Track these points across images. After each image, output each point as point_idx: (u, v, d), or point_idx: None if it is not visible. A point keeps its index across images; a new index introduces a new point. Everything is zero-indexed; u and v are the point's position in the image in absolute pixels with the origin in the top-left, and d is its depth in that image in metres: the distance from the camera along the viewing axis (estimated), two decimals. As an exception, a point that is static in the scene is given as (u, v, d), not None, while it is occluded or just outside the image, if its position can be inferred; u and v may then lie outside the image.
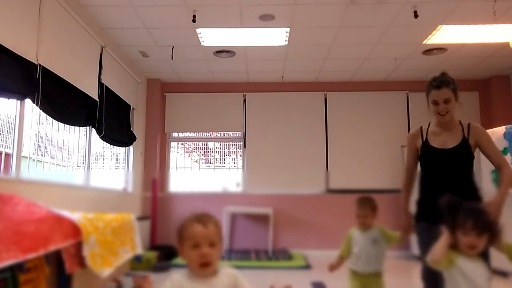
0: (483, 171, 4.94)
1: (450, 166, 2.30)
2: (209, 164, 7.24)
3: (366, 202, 2.60)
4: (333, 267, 2.60)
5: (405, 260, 5.72)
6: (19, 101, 3.35)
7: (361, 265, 2.54)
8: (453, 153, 2.30)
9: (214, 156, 7.31)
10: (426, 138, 2.40)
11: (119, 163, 6.01)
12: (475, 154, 2.32)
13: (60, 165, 4.33)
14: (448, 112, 2.27)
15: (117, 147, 5.73)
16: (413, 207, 2.46)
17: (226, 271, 1.40)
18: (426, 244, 2.25)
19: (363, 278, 2.53)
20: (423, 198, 2.38)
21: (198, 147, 7.34)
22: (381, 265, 2.58)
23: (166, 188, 6.63)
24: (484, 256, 1.82)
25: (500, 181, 2.23)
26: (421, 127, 2.46)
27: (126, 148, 5.96)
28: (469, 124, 2.33)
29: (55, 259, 2.55)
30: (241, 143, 6.87)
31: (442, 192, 2.24)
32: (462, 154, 2.29)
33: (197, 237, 1.34)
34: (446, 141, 2.33)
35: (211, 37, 4.98)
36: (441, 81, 2.28)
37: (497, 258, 2.15)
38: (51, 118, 3.89)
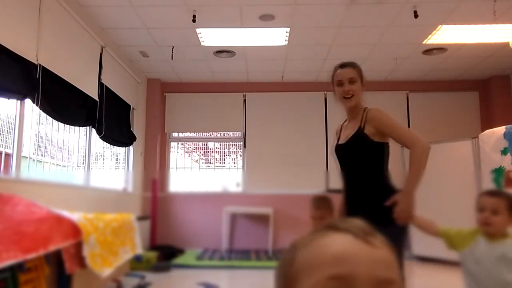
0: (483, 171, 4.90)
1: (346, 162, 2.12)
2: (209, 164, 7.24)
3: (322, 202, 2.33)
4: None
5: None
6: (19, 101, 3.35)
7: None
8: (346, 147, 2.10)
9: (214, 156, 7.31)
10: (340, 134, 2.25)
11: (119, 163, 6.01)
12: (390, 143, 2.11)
13: (60, 165, 4.33)
14: (353, 95, 2.09)
15: (117, 147, 5.73)
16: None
17: None
18: None
19: None
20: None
21: (198, 147, 7.34)
22: None
23: (166, 188, 6.63)
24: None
25: (409, 164, 1.92)
26: (342, 123, 2.31)
27: (126, 148, 5.96)
28: (367, 111, 2.07)
29: (55, 259, 2.55)
30: (241, 143, 6.87)
31: (346, 193, 2.14)
32: (356, 146, 2.06)
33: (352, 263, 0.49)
34: (348, 134, 2.13)
35: (211, 37, 4.98)
36: (347, 62, 2.17)
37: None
38: (51, 118, 3.89)
